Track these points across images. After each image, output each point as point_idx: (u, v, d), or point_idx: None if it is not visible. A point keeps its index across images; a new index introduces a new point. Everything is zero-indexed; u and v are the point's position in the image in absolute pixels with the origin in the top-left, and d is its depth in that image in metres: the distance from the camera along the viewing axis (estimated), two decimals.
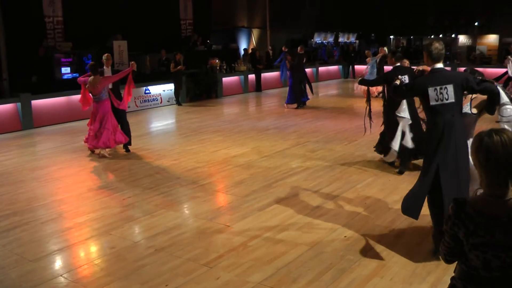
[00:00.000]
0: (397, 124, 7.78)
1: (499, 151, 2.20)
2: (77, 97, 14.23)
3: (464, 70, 6.19)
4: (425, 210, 6.40)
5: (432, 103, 4.86)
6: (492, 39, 30.53)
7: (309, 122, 13.23)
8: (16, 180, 8.21)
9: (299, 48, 16.15)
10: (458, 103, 4.91)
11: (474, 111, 5.29)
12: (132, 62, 9.99)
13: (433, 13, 32.51)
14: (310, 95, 16.32)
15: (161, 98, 16.83)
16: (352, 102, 17.07)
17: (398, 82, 5.43)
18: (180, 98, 16.95)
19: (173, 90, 16.88)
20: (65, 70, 14.94)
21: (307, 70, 24.30)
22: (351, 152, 9.72)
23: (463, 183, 4.89)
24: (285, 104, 15.88)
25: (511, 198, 2.27)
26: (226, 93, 19.29)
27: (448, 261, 2.53)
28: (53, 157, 9.80)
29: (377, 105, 10.26)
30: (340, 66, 27.07)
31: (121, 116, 10.05)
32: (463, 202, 2.34)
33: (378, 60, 12.87)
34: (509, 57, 18.16)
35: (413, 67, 7.98)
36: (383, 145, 8.45)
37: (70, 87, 14.35)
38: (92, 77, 9.43)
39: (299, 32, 30.14)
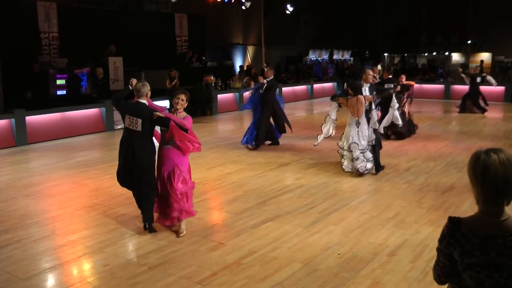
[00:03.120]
0: None
1: (497, 168, 2.21)
2: (73, 113, 14.42)
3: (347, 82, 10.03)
4: (420, 227, 6.42)
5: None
6: (485, 56, 30.80)
7: (304, 139, 13.25)
8: (9, 197, 8.16)
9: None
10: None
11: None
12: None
13: (426, 31, 32.80)
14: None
15: None
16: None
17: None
18: None
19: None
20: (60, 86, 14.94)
21: (301, 87, 24.53)
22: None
23: None
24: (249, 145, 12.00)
25: (506, 218, 2.27)
26: (221, 110, 19.31)
27: (442, 282, 2.49)
28: (47, 173, 9.76)
29: None
30: (335, 83, 27.21)
31: None
32: (458, 221, 2.33)
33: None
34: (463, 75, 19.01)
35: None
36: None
37: (64, 103, 14.39)
38: None
39: (294, 49, 30.33)
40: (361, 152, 9.14)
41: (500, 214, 2.27)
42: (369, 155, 9.22)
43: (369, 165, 9.18)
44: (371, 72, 9.92)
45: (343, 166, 9.45)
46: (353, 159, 9.20)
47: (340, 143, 9.58)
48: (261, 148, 11.95)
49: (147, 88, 6.38)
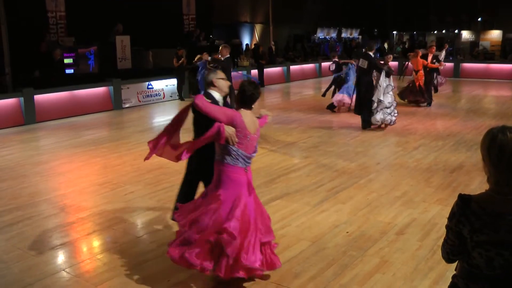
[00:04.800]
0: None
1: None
2: (81, 92, 14.44)
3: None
4: (429, 206, 6.41)
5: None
6: (495, 34, 30.45)
7: (312, 117, 13.22)
8: (19, 174, 8.22)
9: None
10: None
11: None
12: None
13: (436, 8, 32.40)
14: None
15: (163, 93, 16.83)
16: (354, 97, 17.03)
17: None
18: (182, 93, 16.94)
19: (175, 85, 16.88)
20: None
21: (309, 65, 24.39)
22: (354, 147, 9.71)
23: None
24: None
25: None
26: None
27: (451, 260, 2.48)
28: (56, 152, 9.81)
29: None
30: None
31: None
32: (468, 199, 2.31)
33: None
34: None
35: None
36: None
37: (72, 82, 14.40)
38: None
39: (302, 28, 30.07)
40: (387, 107, 11.07)
41: (511, 193, 2.26)
42: (389, 110, 11.04)
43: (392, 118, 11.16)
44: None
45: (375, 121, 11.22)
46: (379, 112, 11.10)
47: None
48: (269, 125, 11.92)
49: (213, 75, 4.87)
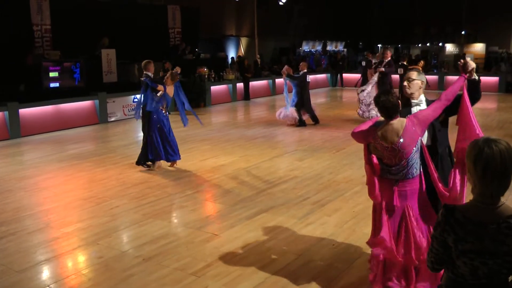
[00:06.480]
0: None
1: (497, 162, 2.22)
2: (66, 106, 14.42)
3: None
4: None
5: None
6: (478, 47, 30.84)
7: (297, 130, 13.27)
8: (3, 189, 8.14)
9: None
10: None
11: None
12: None
13: (420, 22, 32.82)
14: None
15: None
16: (340, 111, 17.19)
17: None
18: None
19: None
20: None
21: None
22: (339, 160, 9.75)
23: None
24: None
25: (500, 205, 2.30)
26: (214, 101, 19.29)
27: (436, 270, 2.51)
28: (41, 166, 9.74)
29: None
30: (328, 75, 27.18)
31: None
32: (453, 208, 2.35)
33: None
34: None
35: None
36: None
37: (58, 96, 14.34)
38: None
39: (287, 41, 30.26)
40: None
41: (495, 203, 2.30)
42: None
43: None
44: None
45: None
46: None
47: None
48: (255, 139, 11.97)
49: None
